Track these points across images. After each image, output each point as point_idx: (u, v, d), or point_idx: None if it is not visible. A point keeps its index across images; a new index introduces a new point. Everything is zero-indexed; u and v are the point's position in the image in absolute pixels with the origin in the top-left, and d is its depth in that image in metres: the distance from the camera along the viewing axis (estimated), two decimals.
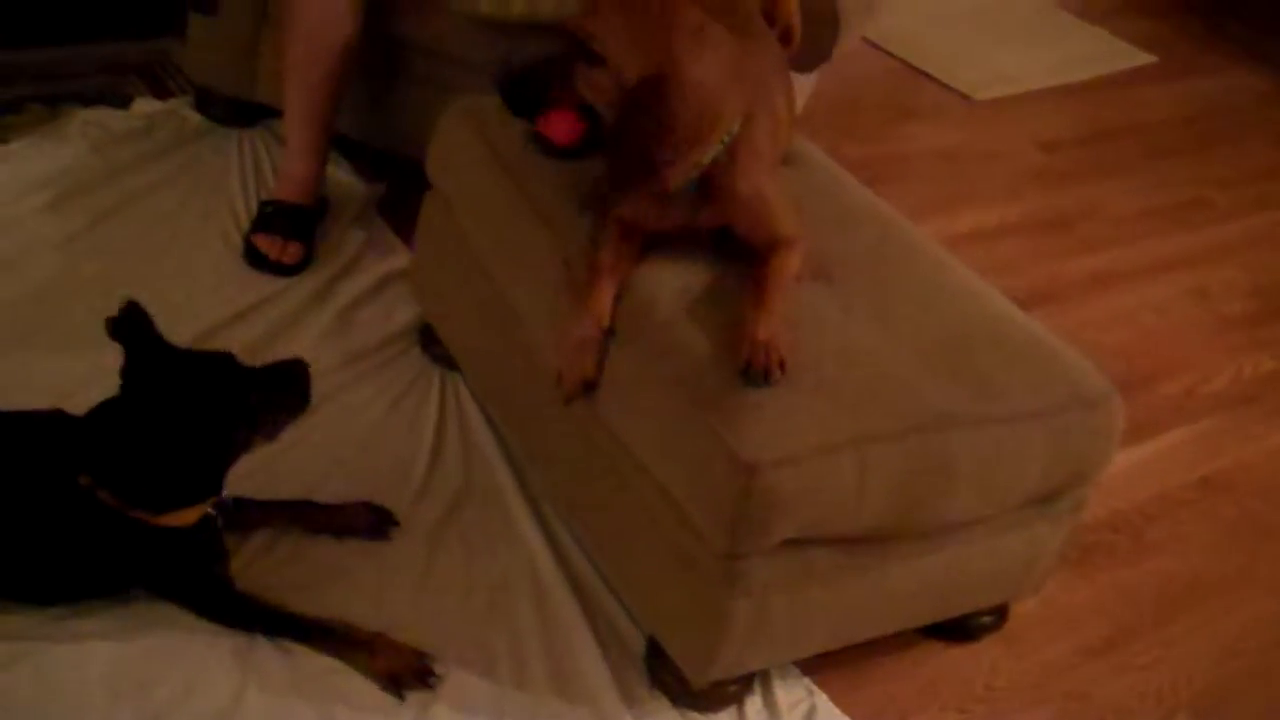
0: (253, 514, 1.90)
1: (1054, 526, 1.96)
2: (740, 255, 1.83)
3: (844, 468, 1.65)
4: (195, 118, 2.80)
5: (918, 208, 2.71)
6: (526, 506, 2.09)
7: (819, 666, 1.95)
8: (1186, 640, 2.20)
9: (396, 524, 2.01)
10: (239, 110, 2.78)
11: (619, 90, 1.64)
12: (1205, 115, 4.10)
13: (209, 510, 1.78)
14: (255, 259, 2.44)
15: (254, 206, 2.55)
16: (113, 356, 2.09)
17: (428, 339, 2.34)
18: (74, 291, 2.28)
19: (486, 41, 2.46)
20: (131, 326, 1.71)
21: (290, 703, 1.73)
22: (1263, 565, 2.40)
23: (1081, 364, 1.90)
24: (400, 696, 1.77)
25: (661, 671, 1.87)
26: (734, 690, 1.88)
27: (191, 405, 1.68)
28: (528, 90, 1.68)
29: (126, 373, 1.71)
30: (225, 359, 1.75)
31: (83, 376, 2.05)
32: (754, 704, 1.90)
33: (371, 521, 1.99)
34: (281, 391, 1.78)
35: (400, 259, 2.53)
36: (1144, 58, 4.35)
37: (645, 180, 1.71)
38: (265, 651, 1.78)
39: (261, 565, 1.89)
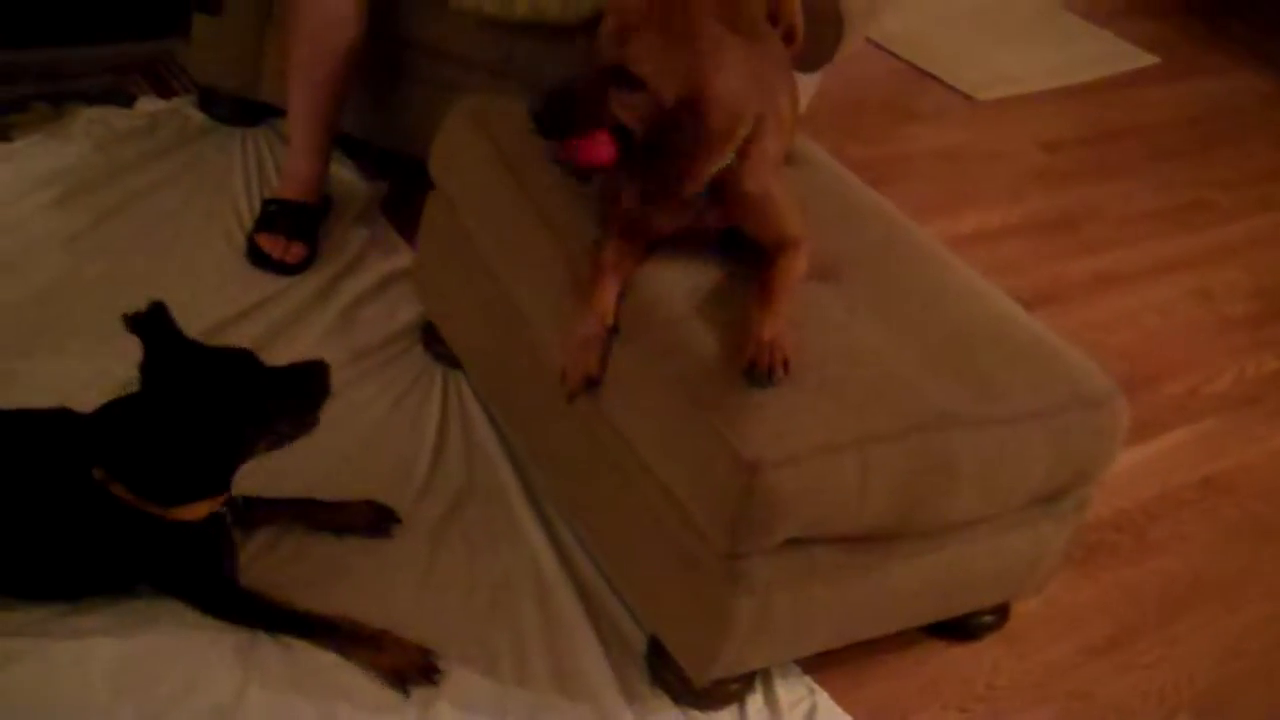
0: (256, 511, 1.91)
1: (1057, 526, 1.96)
2: (745, 255, 1.84)
3: (846, 467, 1.65)
4: (199, 117, 2.80)
5: (921, 208, 2.71)
6: (529, 505, 2.10)
7: (820, 665, 1.95)
8: (1189, 640, 2.20)
9: (399, 522, 2.01)
10: (243, 109, 2.79)
11: (653, 110, 1.67)
12: (1208, 116, 4.10)
13: (219, 508, 1.78)
14: (258, 258, 2.44)
15: (257, 205, 2.56)
16: (116, 356, 2.10)
17: (430, 338, 2.34)
18: (77, 291, 2.29)
19: (490, 41, 2.46)
20: (152, 322, 1.72)
21: (291, 700, 1.73)
22: (1265, 566, 2.40)
23: (1084, 364, 1.90)
24: (405, 693, 1.77)
25: (663, 670, 1.87)
26: (735, 688, 1.88)
27: (206, 400, 1.69)
28: (562, 114, 1.70)
29: (145, 366, 1.72)
30: (244, 356, 1.76)
31: (86, 377, 2.06)
32: (755, 702, 1.90)
33: (374, 519, 2.00)
34: (298, 390, 1.78)
35: (403, 258, 2.54)
36: (1147, 59, 4.35)
37: (676, 192, 1.75)
38: (267, 648, 1.78)
39: (265, 563, 1.89)
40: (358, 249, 2.56)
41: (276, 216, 2.48)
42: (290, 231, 2.46)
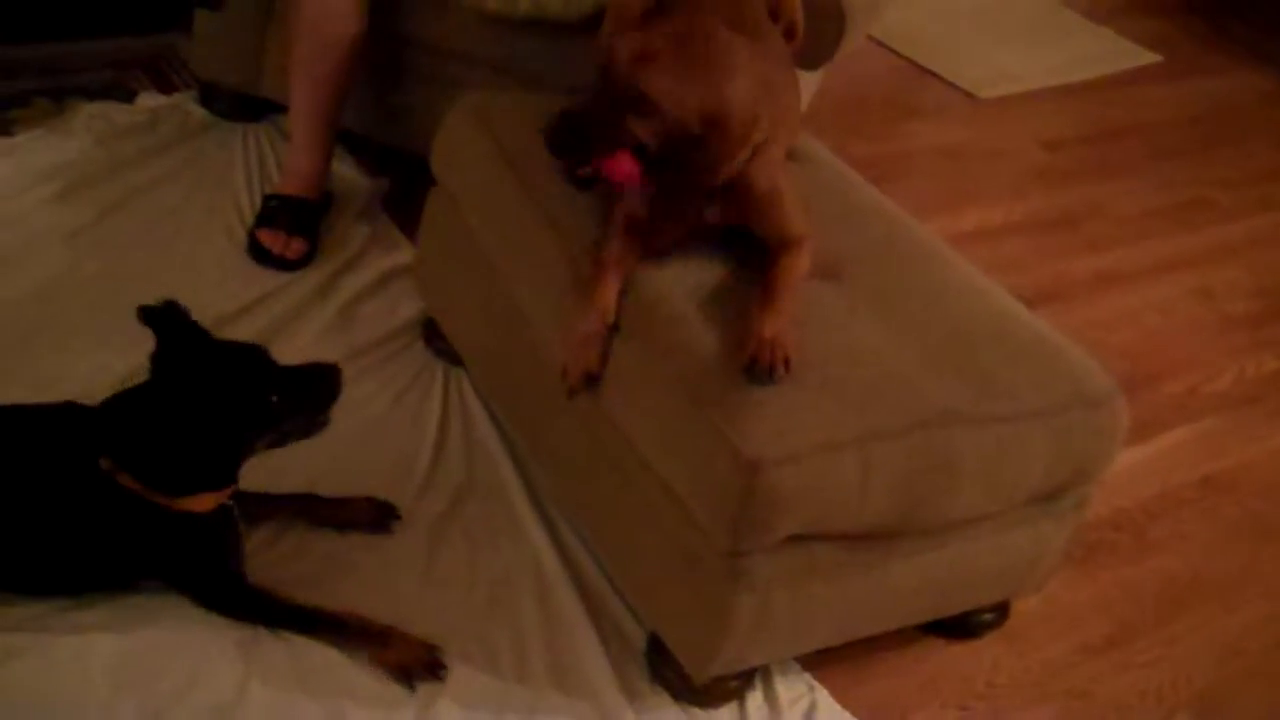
0: (257, 506, 1.91)
1: (1057, 524, 1.96)
2: (747, 253, 1.84)
3: (847, 465, 1.65)
4: (200, 112, 2.80)
5: (923, 206, 2.70)
6: (529, 502, 2.10)
7: (820, 662, 1.95)
8: (1188, 639, 2.21)
9: (399, 518, 2.01)
10: (244, 105, 2.79)
11: (671, 131, 1.68)
12: (1209, 115, 4.10)
13: (227, 501, 1.78)
14: (259, 254, 2.44)
15: (258, 201, 2.56)
16: (117, 351, 2.10)
17: (431, 334, 2.34)
18: (78, 286, 2.29)
19: (492, 38, 2.46)
20: (165, 315, 1.73)
21: (294, 696, 1.73)
22: (1264, 565, 2.40)
23: (1085, 363, 1.90)
24: (411, 688, 1.78)
25: (663, 667, 1.87)
26: (735, 686, 1.88)
27: (212, 390, 1.69)
28: (578, 138, 1.72)
29: (155, 356, 1.72)
30: (255, 350, 1.77)
31: (87, 372, 2.06)
32: (755, 699, 1.90)
33: (375, 516, 2.00)
34: (308, 390, 1.79)
35: (404, 254, 2.54)
36: (1149, 57, 4.34)
37: (693, 202, 1.76)
38: (269, 645, 1.78)
39: (266, 559, 1.89)
40: (359, 245, 2.56)
41: (277, 212, 2.48)
42: (291, 227, 2.46)
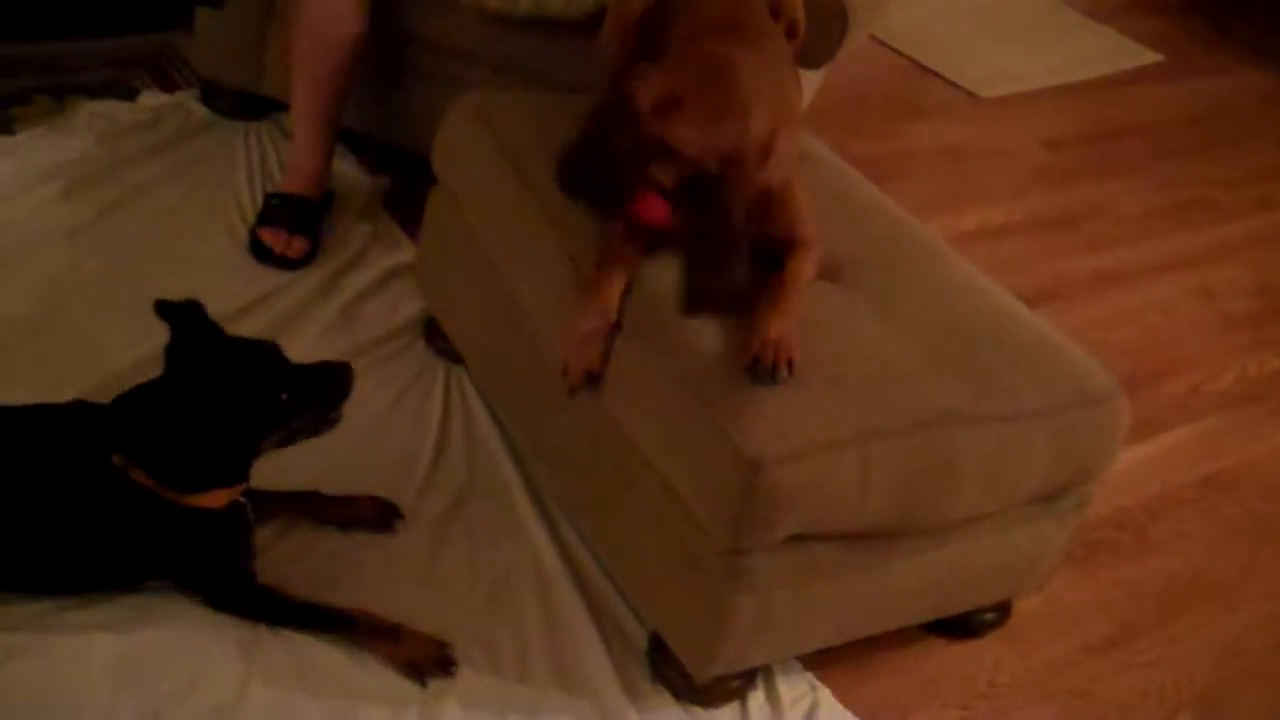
0: (262, 505, 1.90)
1: (1058, 524, 1.96)
2: (755, 256, 1.83)
3: (848, 464, 1.65)
4: (201, 111, 2.80)
5: (924, 205, 2.70)
6: (530, 501, 2.10)
7: (822, 662, 1.95)
8: (1189, 639, 2.21)
9: (402, 517, 2.01)
10: (245, 103, 2.79)
11: (695, 173, 1.68)
12: (1210, 115, 4.10)
13: (240, 498, 1.78)
14: (260, 252, 2.44)
15: (259, 200, 2.56)
16: (118, 349, 2.10)
17: (432, 333, 2.34)
18: (79, 285, 2.29)
19: (493, 36, 2.46)
20: (182, 311, 1.74)
21: (294, 696, 1.73)
22: (1265, 565, 2.40)
23: (1086, 362, 1.90)
24: (422, 684, 1.78)
25: (664, 666, 1.87)
26: (737, 685, 1.88)
27: (224, 386, 1.69)
28: (598, 183, 1.74)
29: (170, 350, 1.73)
30: (268, 348, 1.77)
31: (89, 369, 2.06)
32: (756, 699, 1.90)
33: (378, 515, 2.00)
34: (319, 388, 1.79)
35: (405, 253, 2.54)
36: (1150, 57, 4.34)
37: (726, 241, 1.73)
38: (270, 644, 1.78)
39: (269, 557, 1.89)
40: (360, 244, 2.56)
41: (279, 211, 2.48)
42: (292, 226, 2.46)
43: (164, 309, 1.73)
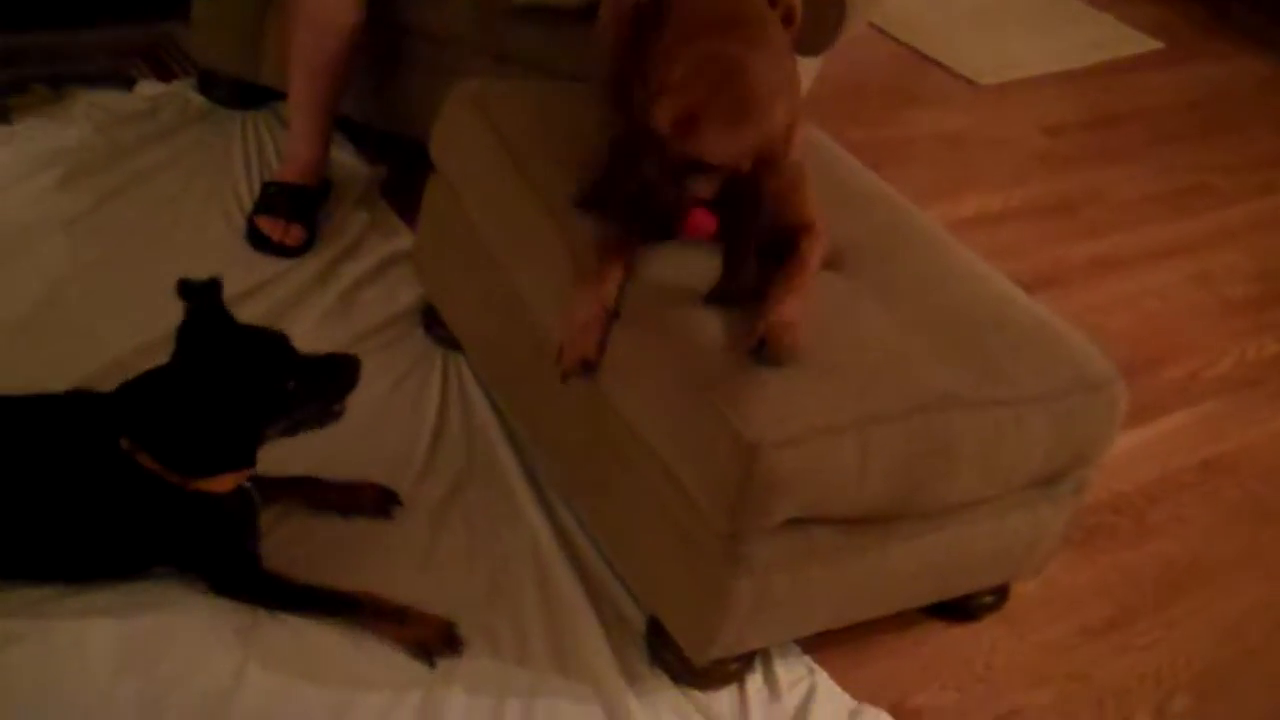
0: (262, 490, 1.91)
1: (1056, 508, 1.96)
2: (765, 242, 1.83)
3: (846, 448, 1.66)
4: (198, 100, 2.80)
5: (923, 192, 2.70)
6: (528, 487, 2.10)
7: (820, 645, 1.95)
8: (1187, 622, 2.21)
9: (401, 504, 2.02)
10: (242, 92, 2.78)
11: (726, 177, 1.70)
12: (1209, 101, 4.10)
13: (246, 484, 1.79)
14: (258, 240, 2.44)
15: (257, 188, 2.55)
16: (117, 337, 2.11)
17: (430, 320, 2.34)
18: (77, 273, 2.29)
19: (491, 24, 2.46)
20: (202, 292, 1.74)
21: (293, 681, 1.74)
22: (1264, 548, 2.41)
23: (1085, 347, 1.90)
24: (431, 664, 1.79)
25: (662, 650, 1.88)
26: (735, 668, 1.89)
27: (232, 374, 1.70)
28: (654, 217, 1.76)
29: (181, 332, 1.73)
30: (277, 337, 1.77)
31: (88, 358, 2.06)
32: (754, 682, 1.90)
33: (377, 501, 2.00)
34: (326, 378, 1.79)
35: (403, 241, 2.54)
36: (1149, 43, 4.34)
37: (759, 220, 1.76)
38: (268, 629, 1.78)
39: (269, 543, 1.88)
40: (358, 232, 2.56)
41: (276, 199, 2.48)
42: (290, 214, 2.46)
43: (185, 289, 1.73)
